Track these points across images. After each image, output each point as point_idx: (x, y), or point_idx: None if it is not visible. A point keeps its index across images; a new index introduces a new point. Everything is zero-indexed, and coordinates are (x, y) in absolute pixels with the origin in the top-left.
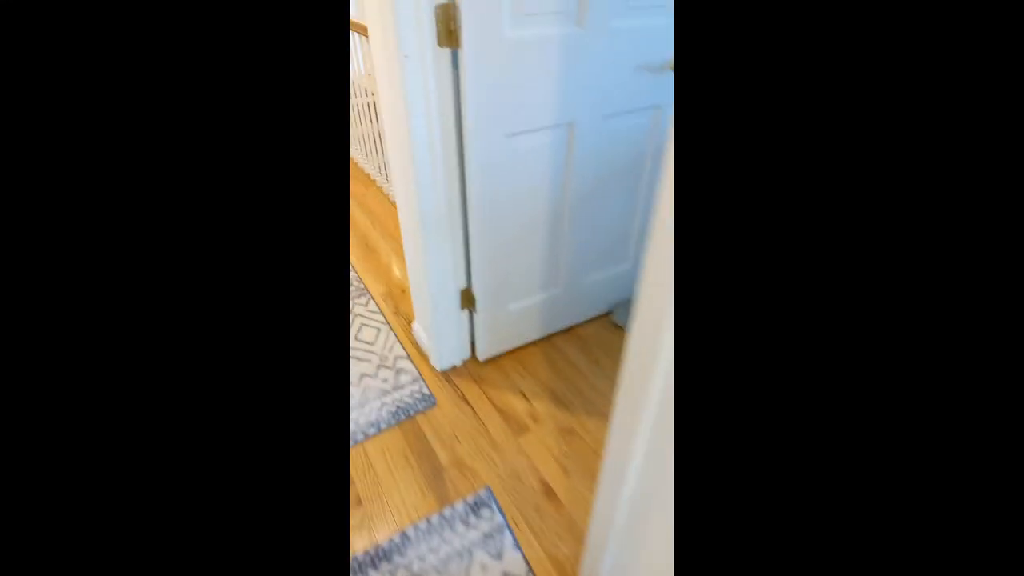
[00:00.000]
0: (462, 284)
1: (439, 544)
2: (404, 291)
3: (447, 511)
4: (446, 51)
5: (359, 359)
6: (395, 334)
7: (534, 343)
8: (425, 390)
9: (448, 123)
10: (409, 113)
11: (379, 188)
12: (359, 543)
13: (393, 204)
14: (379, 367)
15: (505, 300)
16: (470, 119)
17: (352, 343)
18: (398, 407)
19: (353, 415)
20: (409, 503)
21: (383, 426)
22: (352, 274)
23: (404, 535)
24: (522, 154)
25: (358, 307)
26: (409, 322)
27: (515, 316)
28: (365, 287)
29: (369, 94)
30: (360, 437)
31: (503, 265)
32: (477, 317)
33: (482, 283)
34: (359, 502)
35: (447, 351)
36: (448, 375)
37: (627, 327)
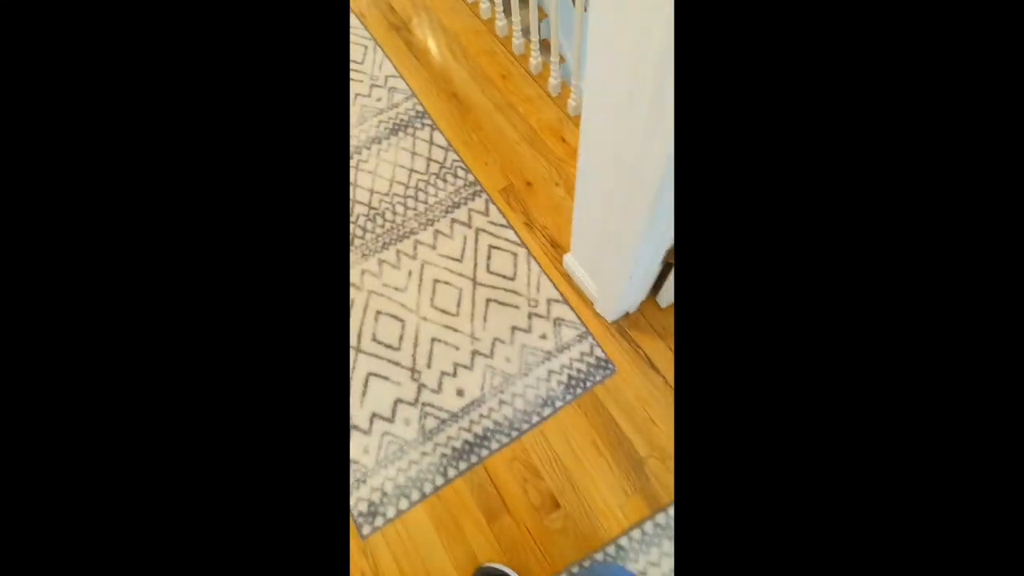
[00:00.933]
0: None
1: (659, 558)
2: (530, 184)
3: (660, 517)
4: None
5: (501, 302)
6: (537, 261)
7: None
8: (599, 352)
9: None
10: None
11: (507, 49)
12: (571, 554)
13: (532, 75)
14: (531, 315)
15: None
16: None
17: (483, 275)
18: (570, 377)
19: (519, 386)
20: (614, 505)
21: (559, 404)
22: (454, 156)
23: (619, 547)
24: None
25: (476, 215)
26: (553, 244)
27: None
28: (477, 180)
29: None
30: (536, 419)
31: None
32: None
33: None
34: (556, 504)
35: (623, 300)
36: (623, 327)
37: None
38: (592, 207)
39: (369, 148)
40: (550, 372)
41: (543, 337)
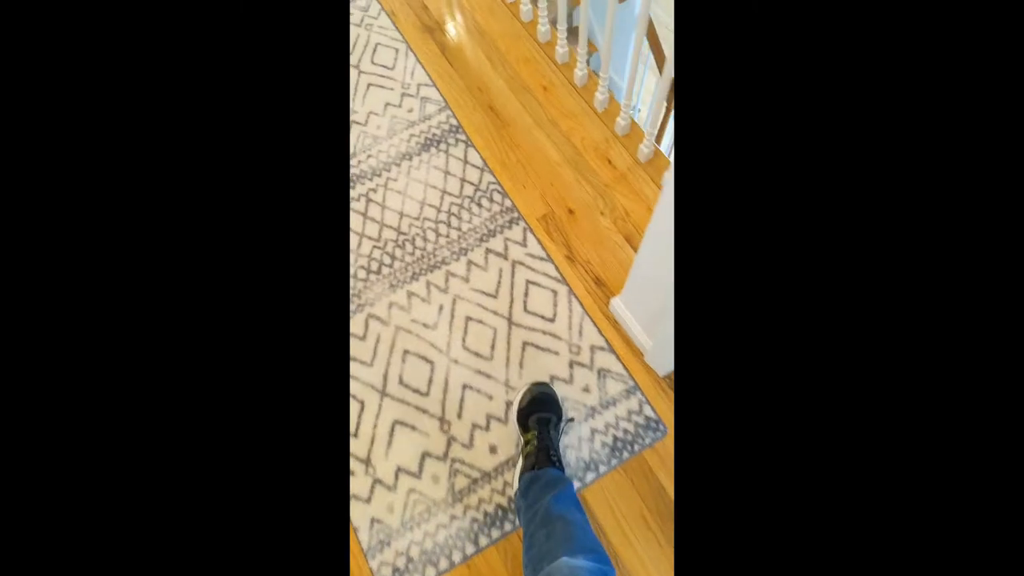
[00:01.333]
0: None
1: None
2: (572, 212)
3: None
4: None
5: (539, 347)
6: (579, 301)
7: None
8: (649, 411)
9: None
10: None
11: (550, 56)
12: None
13: (576, 87)
14: (572, 363)
15: None
16: None
17: (519, 314)
18: (616, 439)
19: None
20: None
21: (603, 468)
22: (490, 178)
23: None
24: None
25: (512, 245)
26: (597, 282)
27: None
28: (515, 206)
29: None
30: (577, 485)
31: None
32: None
33: None
34: None
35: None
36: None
37: None
38: (665, 262)
39: (399, 165)
40: (593, 431)
41: (586, 390)
